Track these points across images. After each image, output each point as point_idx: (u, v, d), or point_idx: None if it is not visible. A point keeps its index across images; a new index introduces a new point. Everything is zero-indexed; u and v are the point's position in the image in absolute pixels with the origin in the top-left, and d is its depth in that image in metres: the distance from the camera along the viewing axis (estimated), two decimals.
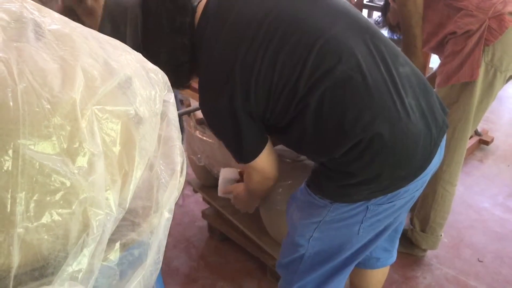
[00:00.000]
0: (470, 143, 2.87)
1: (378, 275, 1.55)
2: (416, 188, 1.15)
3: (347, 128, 1.03)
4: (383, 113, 1.03)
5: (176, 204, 0.63)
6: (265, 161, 1.21)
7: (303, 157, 1.58)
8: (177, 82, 1.18)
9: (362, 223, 1.15)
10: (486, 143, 2.96)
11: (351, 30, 1.07)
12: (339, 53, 1.02)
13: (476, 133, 2.97)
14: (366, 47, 1.06)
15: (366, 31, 1.09)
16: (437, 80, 1.80)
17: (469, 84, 1.70)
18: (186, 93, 1.81)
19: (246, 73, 1.03)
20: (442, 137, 1.14)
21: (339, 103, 1.03)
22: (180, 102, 2.22)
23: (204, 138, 1.85)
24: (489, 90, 1.72)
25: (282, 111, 1.07)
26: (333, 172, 1.12)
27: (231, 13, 1.07)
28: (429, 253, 2.11)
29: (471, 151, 2.90)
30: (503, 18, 1.60)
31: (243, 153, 1.17)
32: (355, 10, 1.15)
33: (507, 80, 1.77)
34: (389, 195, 1.11)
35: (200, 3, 1.14)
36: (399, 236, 1.42)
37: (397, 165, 1.07)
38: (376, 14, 5.21)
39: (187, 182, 2.04)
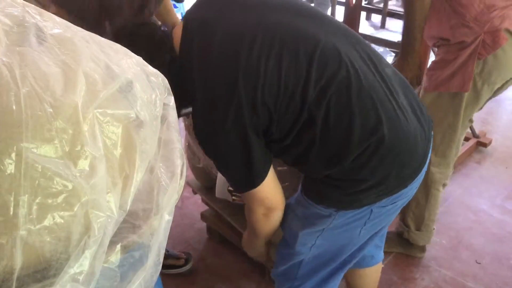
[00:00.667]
0: (468, 145, 2.88)
1: (373, 272, 1.56)
2: (416, 185, 1.17)
3: (356, 134, 1.02)
4: (385, 115, 1.04)
5: (175, 206, 0.64)
6: (268, 186, 1.11)
7: None
8: None
9: (364, 225, 1.16)
10: (484, 145, 2.97)
11: (339, 36, 1.08)
12: (337, 59, 1.02)
13: (474, 135, 2.97)
14: (356, 51, 1.07)
15: (351, 37, 1.11)
16: (425, 83, 1.82)
17: (458, 93, 1.73)
18: None
19: (251, 84, 0.98)
20: (431, 130, 1.16)
21: (345, 110, 1.01)
22: None
23: None
24: (476, 100, 1.77)
25: (288, 123, 1.03)
26: (339, 181, 1.09)
27: (217, 28, 1.02)
28: (427, 254, 2.12)
29: (469, 153, 2.91)
30: (498, 34, 1.61)
31: (252, 176, 1.08)
32: (334, 18, 1.18)
33: (494, 92, 1.81)
34: (393, 196, 1.12)
35: (176, 28, 1.09)
36: (387, 230, 1.44)
37: (402, 165, 1.09)
38: (375, 17, 5.22)
39: (186, 183, 2.05)
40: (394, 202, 1.14)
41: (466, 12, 1.63)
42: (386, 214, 1.17)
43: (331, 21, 1.13)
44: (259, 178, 1.08)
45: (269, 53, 0.99)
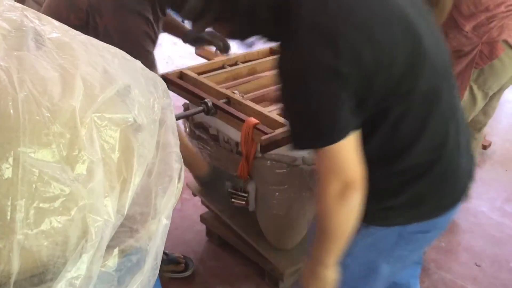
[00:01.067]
0: None
1: None
2: (448, 219, 1.14)
3: (417, 149, 1.01)
4: (448, 141, 1.03)
5: (175, 208, 0.64)
6: (348, 151, 0.95)
7: (298, 162, 1.56)
8: (244, 34, 1.05)
9: (392, 250, 1.12)
10: (484, 147, 2.97)
11: (436, 42, 1.04)
12: (432, 66, 1.00)
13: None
14: (445, 68, 1.04)
15: (443, 46, 1.07)
16: None
17: None
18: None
19: (363, 40, 0.93)
20: (474, 170, 1.16)
21: (421, 121, 1.00)
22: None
23: (202, 142, 1.86)
24: (473, 104, 1.77)
25: (369, 104, 0.97)
26: (375, 192, 1.02)
27: None
28: (427, 257, 2.12)
29: None
30: (495, 46, 1.62)
31: (335, 127, 0.93)
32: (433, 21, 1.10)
33: (492, 98, 1.81)
34: (424, 223, 1.09)
35: None
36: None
37: (444, 194, 1.08)
38: None
39: (186, 185, 2.05)
40: (425, 232, 1.12)
41: (466, 23, 1.62)
42: (414, 243, 1.14)
43: (433, 22, 1.09)
44: (341, 133, 0.93)
45: (390, 25, 0.96)
